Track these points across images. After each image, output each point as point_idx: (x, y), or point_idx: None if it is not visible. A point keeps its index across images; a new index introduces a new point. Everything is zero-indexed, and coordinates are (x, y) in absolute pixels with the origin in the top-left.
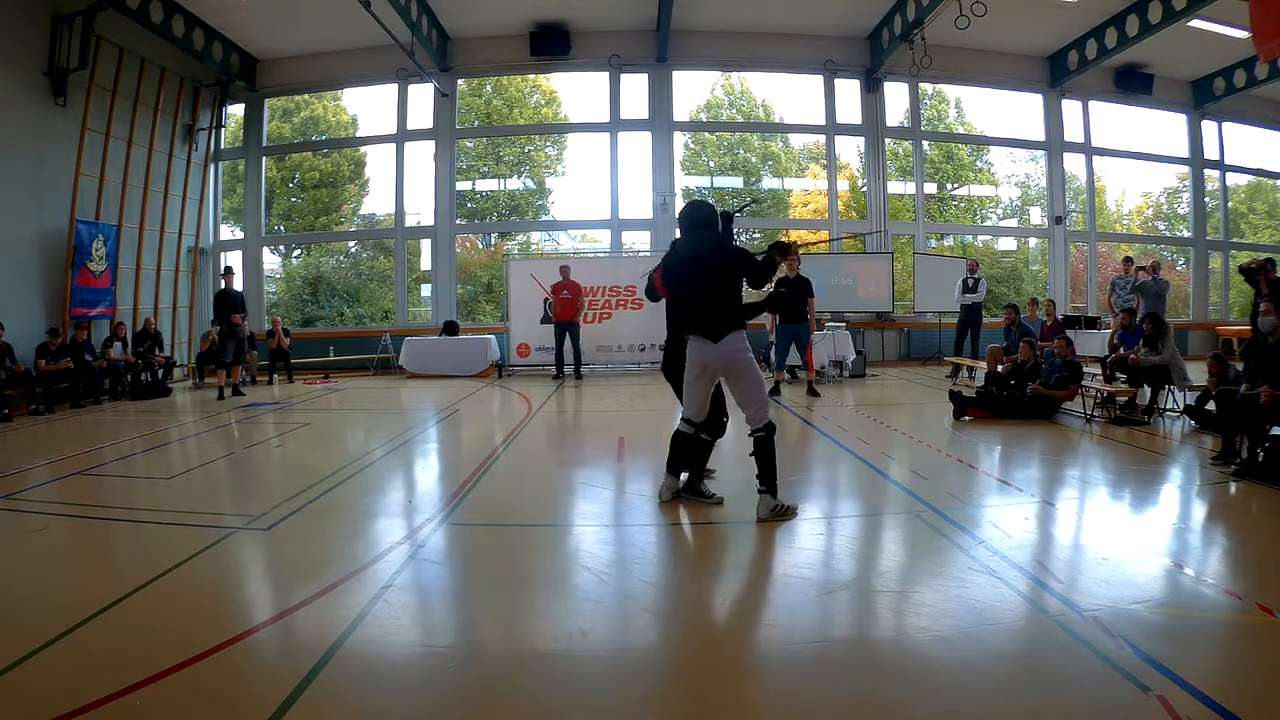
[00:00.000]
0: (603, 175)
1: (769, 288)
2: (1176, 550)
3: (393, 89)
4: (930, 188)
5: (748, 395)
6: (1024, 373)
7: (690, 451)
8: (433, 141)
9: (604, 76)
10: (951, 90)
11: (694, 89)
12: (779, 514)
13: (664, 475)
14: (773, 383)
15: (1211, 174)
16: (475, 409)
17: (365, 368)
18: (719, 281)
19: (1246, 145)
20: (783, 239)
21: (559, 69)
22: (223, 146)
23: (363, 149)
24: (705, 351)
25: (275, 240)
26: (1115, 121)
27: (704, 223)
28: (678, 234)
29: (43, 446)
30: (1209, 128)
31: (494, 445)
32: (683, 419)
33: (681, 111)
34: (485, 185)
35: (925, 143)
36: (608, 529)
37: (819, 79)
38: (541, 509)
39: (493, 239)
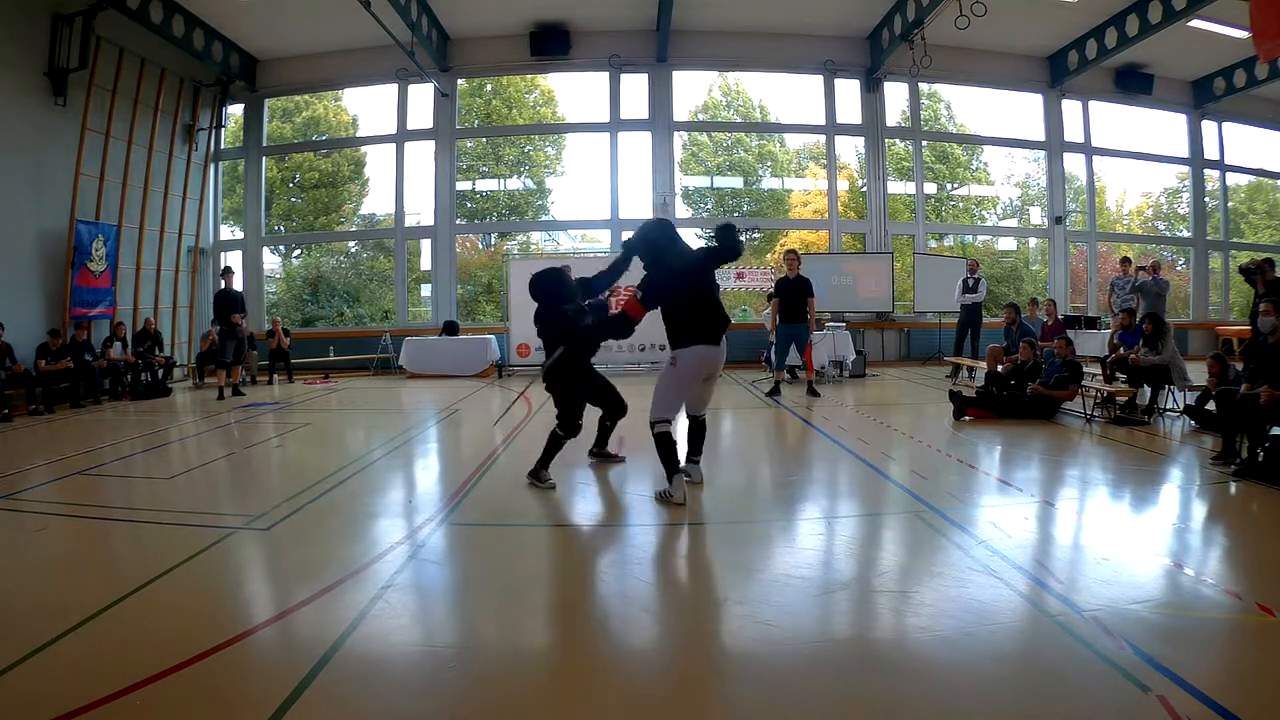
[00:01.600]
0: (602, 175)
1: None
2: (1176, 550)
3: (393, 89)
4: (930, 188)
5: (710, 394)
6: (1024, 373)
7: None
8: (433, 141)
9: (604, 76)
10: (944, 90)
11: (692, 90)
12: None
13: (669, 479)
14: (773, 383)
15: (1211, 174)
16: (475, 409)
17: (365, 368)
18: (715, 286)
19: (1246, 145)
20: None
21: (559, 69)
22: (223, 146)
23: (363, 149)
24: (713, 356)
25: (275, 240)
26: (1115, 121)
27: (678, 235)
28: (627, 249)
29: (43, 446)
30: (1209, 128)
31: (494, 445)
32: (661, 421)
33: (681, 112)
34: (485, 185)
35: (924, 143)
36: (608, 529)
37: (819, 79)
38: (541, 509)
39: (493, 239)
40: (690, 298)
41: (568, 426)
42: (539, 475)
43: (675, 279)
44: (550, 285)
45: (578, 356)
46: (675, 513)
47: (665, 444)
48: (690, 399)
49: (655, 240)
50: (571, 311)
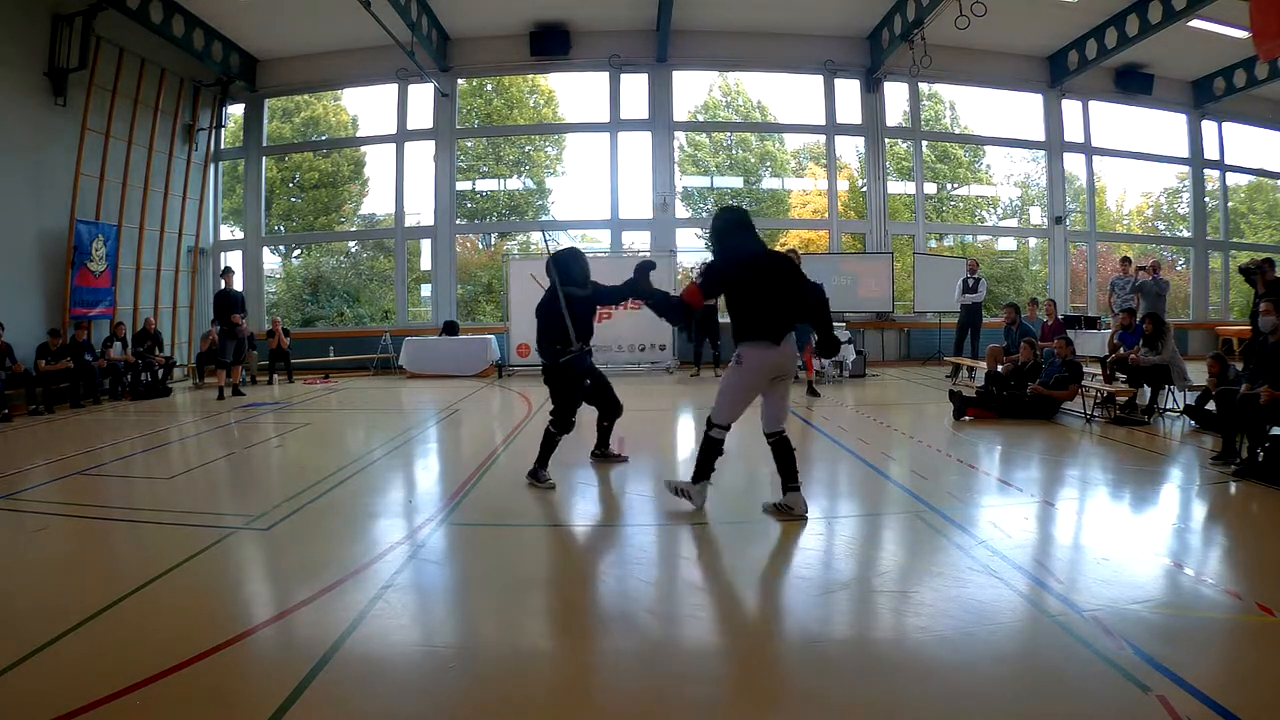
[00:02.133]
0: (602, 175)
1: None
2: (1176, 550)
3: (393, 89)
4: (930, 188)
5: (787, 401)
6: (1024, 373)
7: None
8: (433, 141)
9: (604, 76)
10: (948, 92)
11: (692, 91)
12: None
13: (690, 482)
14: None
15: (1211, 174)
16: (475, 409)
17: (365, 368)
18: (782, 285)
19: (1246, 145)
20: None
21: (559, 69)
22: (223, 146)
23: (363, 149)
24: (775, 355)
25: (275, 240)
26: (1115, 121)
27: (751, 224)
28: (703, 239)
29: (43, 446)
30: (1209, 128)
31: (494, 445)
32: (719, 426)
33: (681, 111)
34: (485, 185)
35: (924, 143)
36: (608, 529)
37: (819, 79)
38: (541, 509)
39: (493, 239)
40: (750, 292)
41: (562, 424)
42: (538, 475)
43: (732, 268)
44: (564, 263)
45: (583, 357)
46: (675, 513)
47: (711, 448)
48: (764, 408)
49: (715, 226)
50: (576, 296)
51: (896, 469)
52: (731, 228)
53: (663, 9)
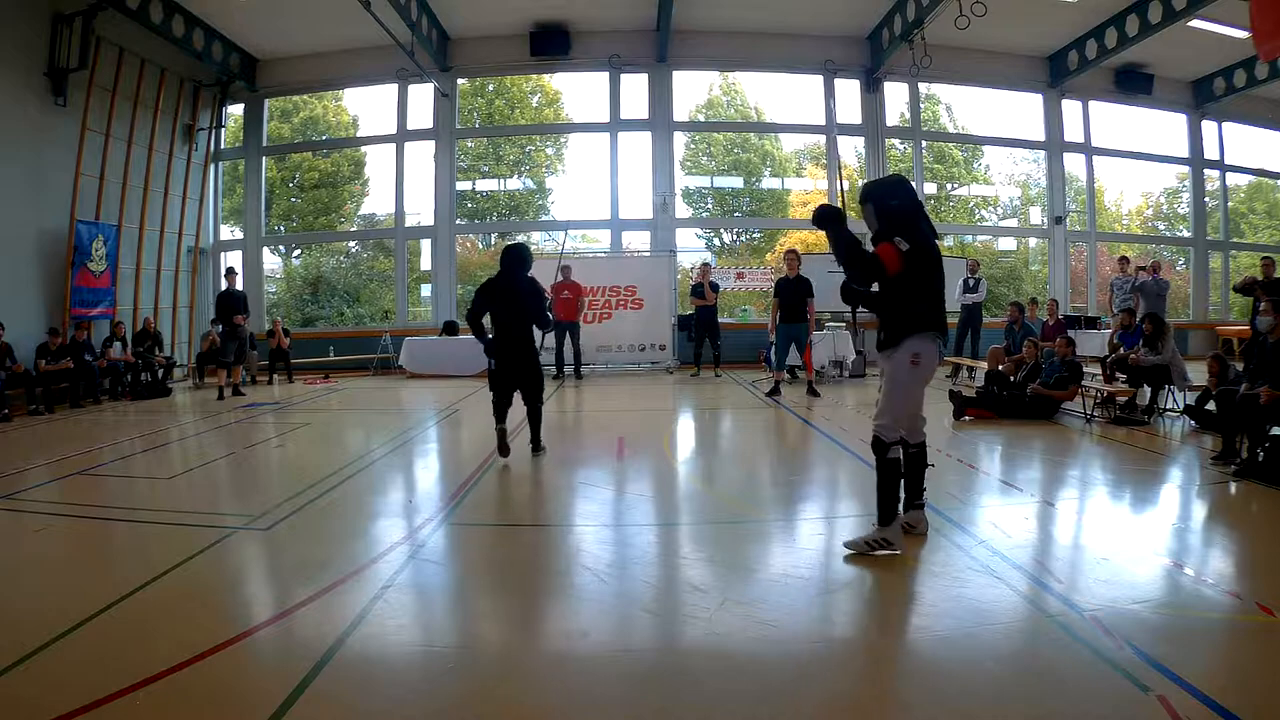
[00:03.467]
0: (603, 175)
1: None
2: (1176, 550)
3: (393, 89)
4: (930, 188)
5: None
6: (1027, 374)
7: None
8: (433, 141)
9: (604, 76)
10: (944, 92)
11: (691, 92)
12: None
13: (880, 526)
14: (773, 383)
15: (1211, 174)
16: (475, 409)
17: (365, 368)
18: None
19: (1246, 145)
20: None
21: (559, 69)
22: (223, 146)
23: (363, 149)
24: (937, 355)
25: (275, 240)
26: (1115, 121)
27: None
28: (865, 210)
29: (43, 446)
30: (1209, 128)
31: (494, 445)
32: (893, 443)
33: (681, 112)
34: (485, 185)
35: (923, 143)
36: (608, 529)
37: (819, 79)
38: (541, 509)
39: (493, 239)
40: (935, 279)
41: (542, 396)
42: (540, 446)
43: (933, 248)
44: (530, 255)
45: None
46: (676, 513)
47: (894, 473)
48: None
49: (905, 195)
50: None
51: None
52: (918, 206)
53: (663, 9)
